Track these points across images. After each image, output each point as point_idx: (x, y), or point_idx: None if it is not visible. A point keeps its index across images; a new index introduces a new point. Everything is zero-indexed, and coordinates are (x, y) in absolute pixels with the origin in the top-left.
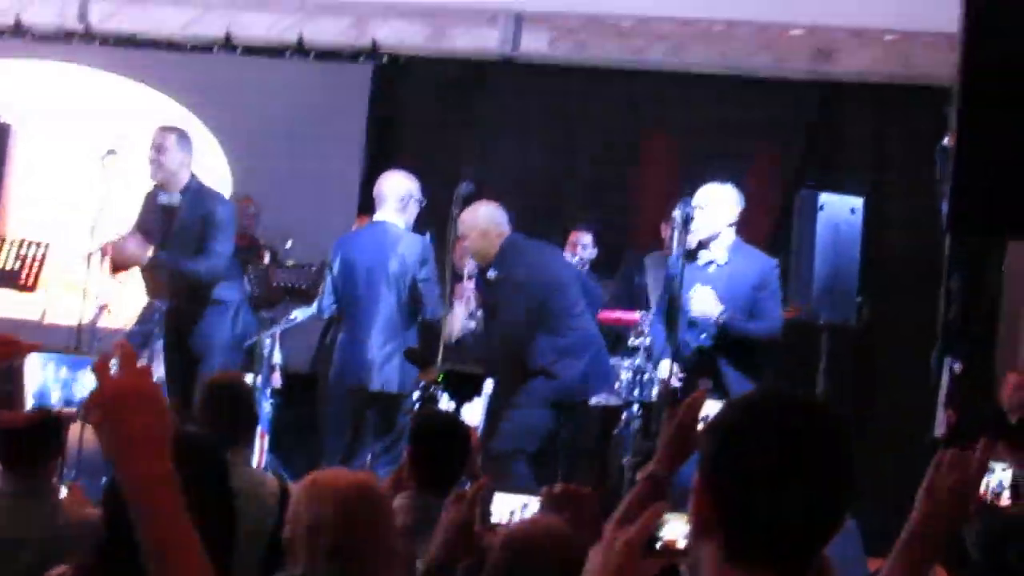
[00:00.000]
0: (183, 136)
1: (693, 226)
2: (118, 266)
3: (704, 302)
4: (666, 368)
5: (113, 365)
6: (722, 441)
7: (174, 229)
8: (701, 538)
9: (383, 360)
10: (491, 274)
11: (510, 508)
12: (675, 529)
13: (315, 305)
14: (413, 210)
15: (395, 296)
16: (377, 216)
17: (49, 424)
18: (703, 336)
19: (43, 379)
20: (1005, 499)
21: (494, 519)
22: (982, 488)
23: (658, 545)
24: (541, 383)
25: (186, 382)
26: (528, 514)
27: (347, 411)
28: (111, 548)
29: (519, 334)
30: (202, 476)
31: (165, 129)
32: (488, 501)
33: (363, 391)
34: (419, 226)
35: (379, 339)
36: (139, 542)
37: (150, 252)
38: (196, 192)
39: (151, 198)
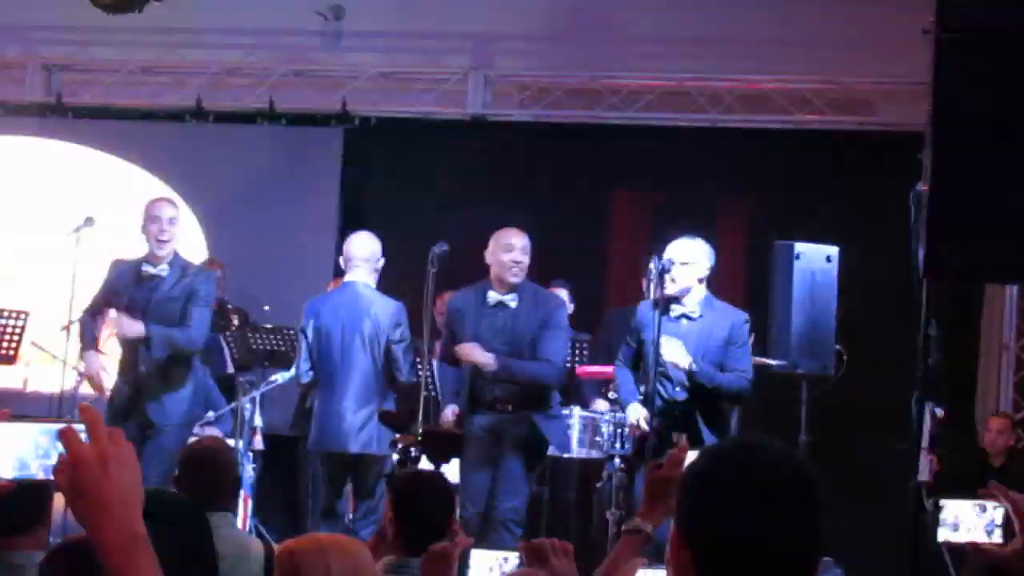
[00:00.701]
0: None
1: (666, 279)
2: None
3: (673, 353)
4: (635, 412)
5: (81, 431)
6: (692, 492)
7: (156, 300)
8: None
9: (360, 424)
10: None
11: (488, 564)
12: None
13: (293, 369)
14: (377, 270)
15: (370, 359)
16: (349, 277)
17: (29, 493)
18: (677, 389)
19: (21, 449)
20: (997, 537)
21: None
22: (974, 529)
23: None
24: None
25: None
26: (508, 569)
27: (327, 474)
28: None
29: None
30: (185, 539)
31: (168, 200)
32: (466, 557)
33: (343, 455)
34: (384, 285)
35: (355, 403)
36: None
37: (142, 329)
38: (181, 265)
39: (130, 268)
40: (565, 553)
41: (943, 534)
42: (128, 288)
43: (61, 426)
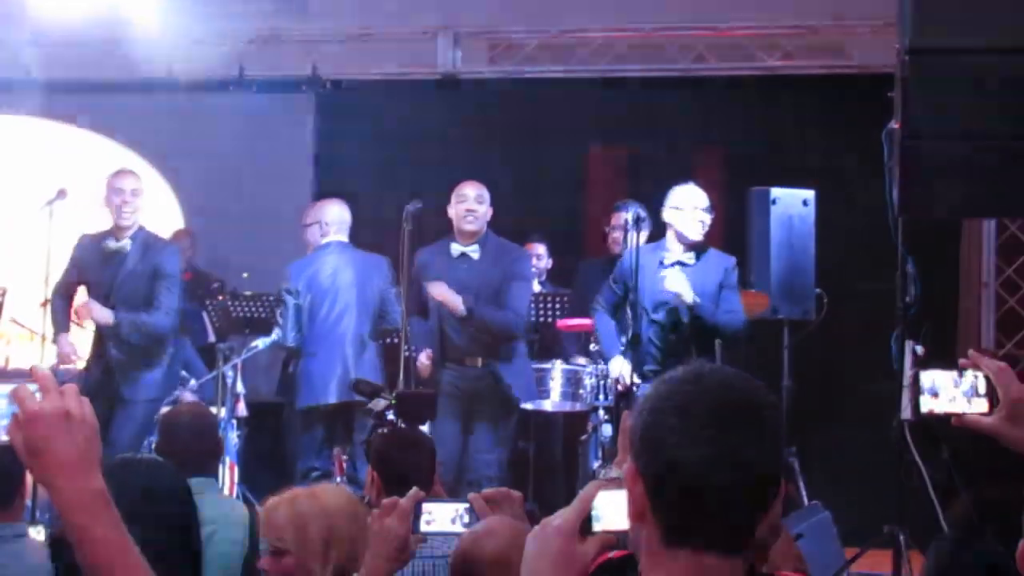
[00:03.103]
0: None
1: (679, 227)
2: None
3: (678, 283)
4: (618, 366)
5: (34, 390)
6: (639, 416)
7: (121, 278)
8: (638, 522)
9: (356, 372)
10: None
11: (449, 516)
12: (612, 505)
13: (276, 334)
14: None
15: (364, 311)
16: (328, 240)
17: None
18: (671, 337)
19: None
20: (978, 405)
21: (429, 527)
22: (957, 399)
23: (596, 526)
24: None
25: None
26: (468, 520)
27: (316, 434)
28: None
29: None
30: (163, 503)
31: (131, 172)
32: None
33: (343, 406)
34: (361, 246)
35: (353, 353)
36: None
37: (110, 317)
38: (145, 240)
39: (95, 243)
40: (517, 503)
41: (925, 403)
42: (93, 267)
43: (13, 386)
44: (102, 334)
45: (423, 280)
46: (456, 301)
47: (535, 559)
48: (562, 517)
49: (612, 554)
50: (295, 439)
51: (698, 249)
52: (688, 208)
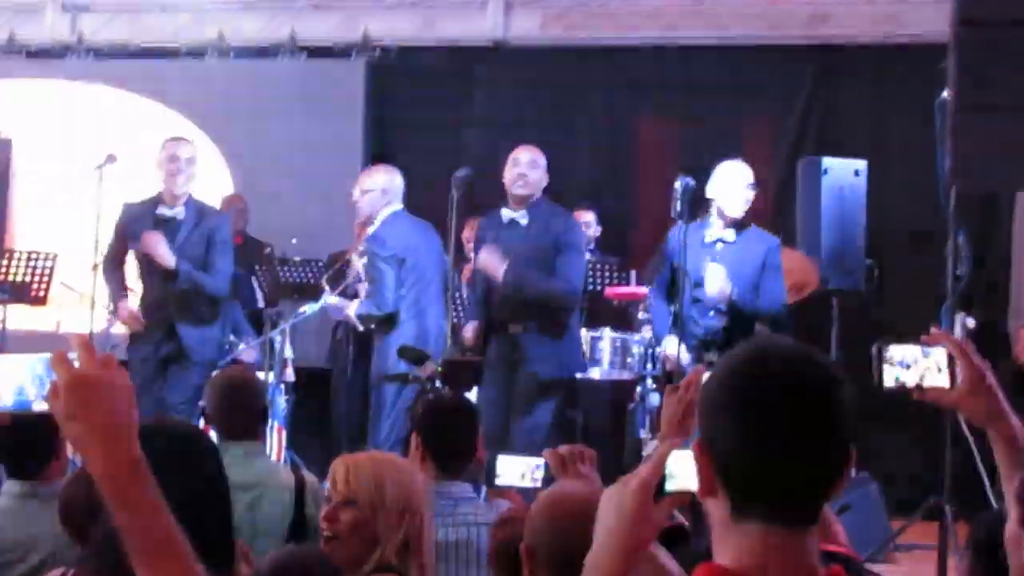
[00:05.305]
0: None
1: (722, 204)
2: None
3: (717, 280)
4: (673, 344)
5: (73, 358)
6: (709, 401)
7: (178, 244)
8: (706, 497)
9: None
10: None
11: (520, 471)
12: (685, 467)
13: (369, 298)
14: None
15: (443, 276)
16: (393, 209)
17: (36, 422)
18: (711, 314)
19: (19, 379)
20: (943, 379)
21: (503, 481)
22: (929, 371)
23: (669, 485)
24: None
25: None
26: (538, 476)
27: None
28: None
29: None
30: (192, 467)
31: (187, 140)
32: (493, 464)
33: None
34: (416, 212)
35: (439, 318)
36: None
37: (172, 260)
38: (198, 207)
39: (144, 211)
40: (590, 460)
41: (893, 373)
42: (138, 231)
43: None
44: (158, 293)
45: (476, 251)
46: (495, 266)
47: (611, 518)
48: (637, 477)
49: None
50: (351, 405)
51: (739, 226)
52: (732, 185)
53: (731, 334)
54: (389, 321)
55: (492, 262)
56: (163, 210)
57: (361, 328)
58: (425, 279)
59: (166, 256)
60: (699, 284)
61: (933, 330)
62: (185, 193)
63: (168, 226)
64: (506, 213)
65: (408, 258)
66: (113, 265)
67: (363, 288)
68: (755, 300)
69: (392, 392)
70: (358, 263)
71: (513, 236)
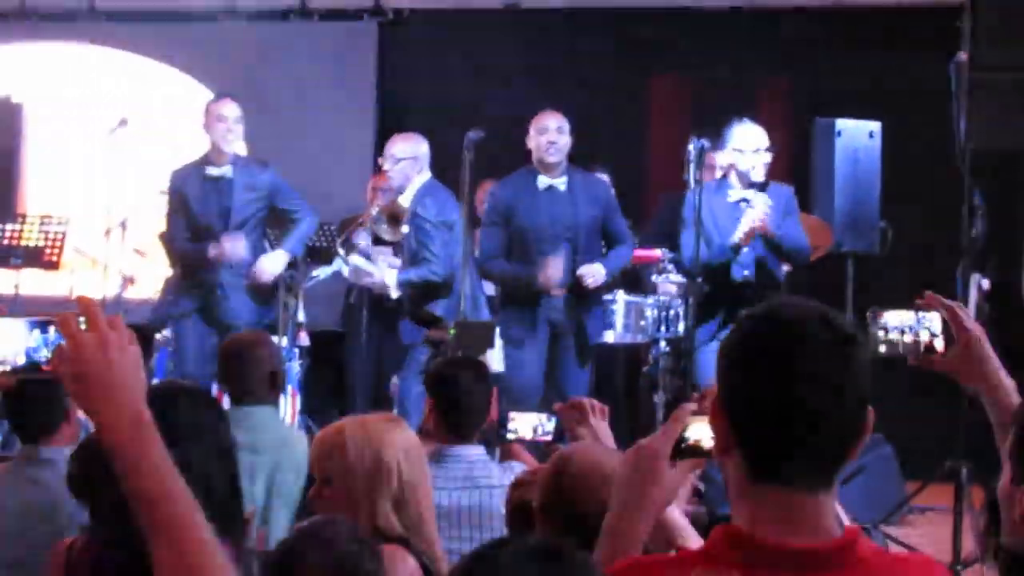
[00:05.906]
0: None
1: (743, 167)
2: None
3: (761, 205)
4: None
5: (80, 320)
6: (726, 359)
7: (235, 207)
8: (723, 457)
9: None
10: None
11: (532, 424)
12: (701, 431)
13: (429, 269)
14: None
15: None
16: (427, 176)
17: (39, 386)
18: (745, 273)
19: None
20: (938, 344)
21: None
22: (917, 337)
23: (684, 446)
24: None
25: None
26: (550, 428)
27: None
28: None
29: None
30: (199, 428)
31: (233, 100)
32: (504, 419)
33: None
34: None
35: (477, 281)
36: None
37: (285, 256)
38: (244, 163)
39: (193, 173)
40: (601, 413)
41: (888, 338)
42: (195, 196)
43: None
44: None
45: (510, 219)
46: (589, 279)
47: (628, 480)
48: (655, 440)
49: None
50: (364, 368)
51: (759, 186)
52: (750, 149)
53: (756, 291)
54: (429, 287)
55: (557, 272)
56: (211, 169)
57: (395, 295)
58: (464, 247)
59: (273, 261)
60: (734, 249)
61: (927, 294)
62: (232, 152)
63: (218, 185)
64: (543, 180)
65: (456, 224)
66: (186, 237)
67: (377, 254)
68: (789, 236)
69: (425, 354)
70: (388, 233)
71: (556, 204)
